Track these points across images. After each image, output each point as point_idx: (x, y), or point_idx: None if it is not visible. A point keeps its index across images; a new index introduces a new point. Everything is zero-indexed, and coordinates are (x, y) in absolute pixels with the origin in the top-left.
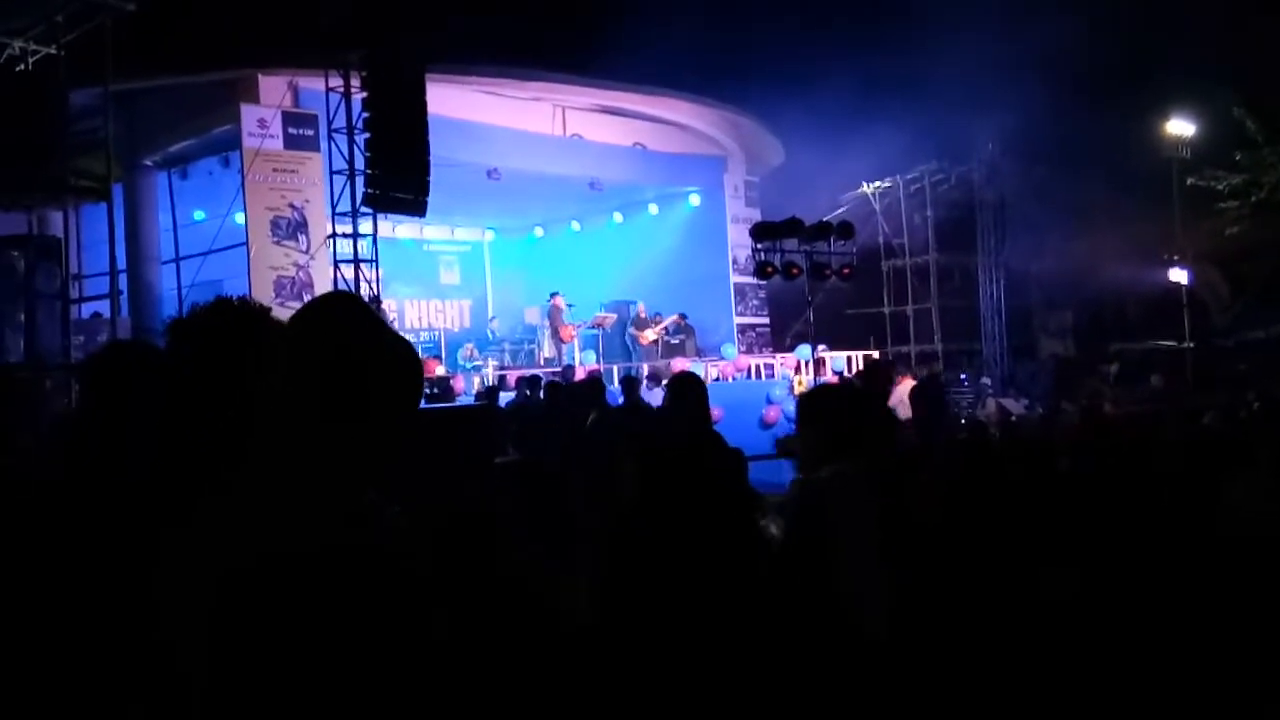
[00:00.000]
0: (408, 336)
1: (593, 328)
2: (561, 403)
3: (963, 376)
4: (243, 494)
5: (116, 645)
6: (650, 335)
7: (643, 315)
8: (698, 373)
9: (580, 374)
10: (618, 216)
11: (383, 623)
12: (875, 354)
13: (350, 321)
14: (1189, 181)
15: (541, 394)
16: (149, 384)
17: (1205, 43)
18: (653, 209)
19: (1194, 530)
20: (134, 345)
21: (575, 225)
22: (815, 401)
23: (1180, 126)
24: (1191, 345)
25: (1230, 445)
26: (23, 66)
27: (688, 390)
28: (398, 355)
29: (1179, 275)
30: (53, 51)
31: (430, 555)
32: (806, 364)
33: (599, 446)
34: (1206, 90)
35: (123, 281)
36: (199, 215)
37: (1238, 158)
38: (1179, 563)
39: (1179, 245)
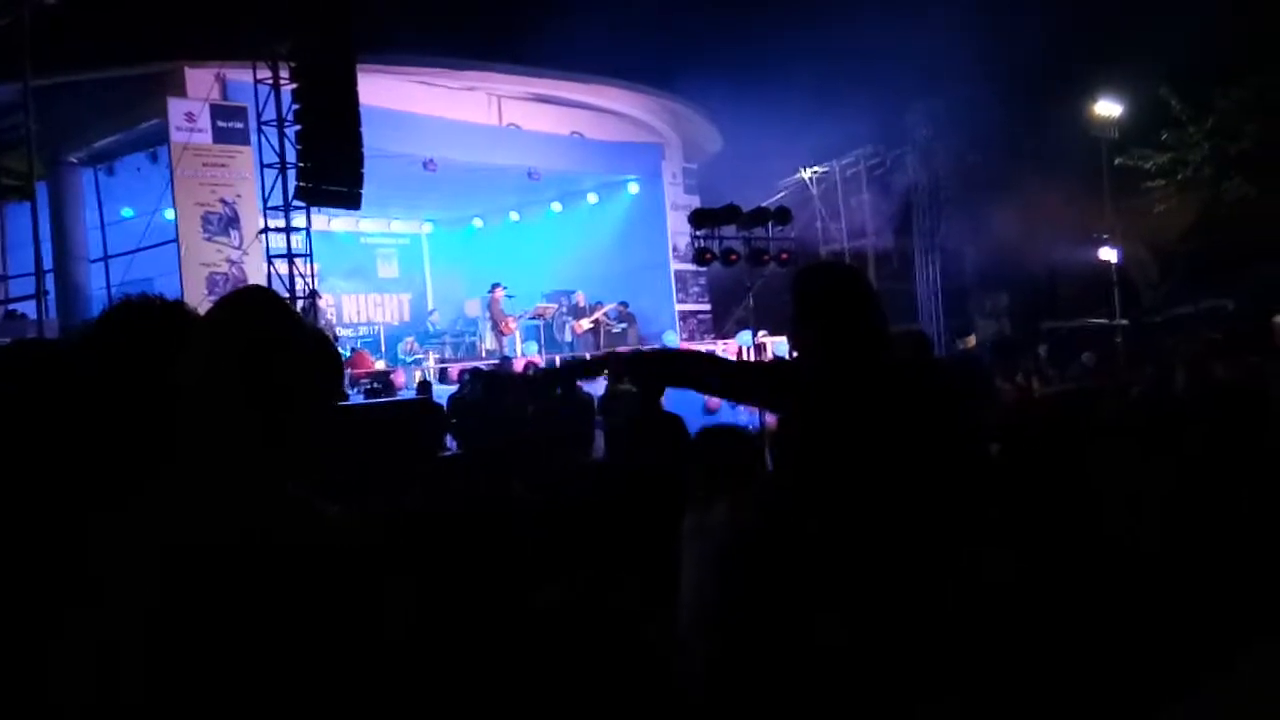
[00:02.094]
0: (346, 331)
1: (534, 318)
2: (498, 394)
3: None
4: (163, 485)
5: (46, 635)
6: (585, 324)
7: (582, 304)
8: None
9: (520, 365)
10: (557, 206)
11: (302, 615)
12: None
13: (266, 313)
14: (1117, 161)
15: (480, 386)
16: (53, 381)
17: (1132, 23)
18: (592, 198)
19: (1122, 508)
20: (32, 343)
21: (514, 215)
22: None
23: (1107, 107)
24: (1123, 323)
25: (1159, 419)
26: None
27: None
28: (314, 346)
29: (1109, 254)
30: None
31: (370, 549)
32: (748, 350)
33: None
34: (1133, 70)
35: (50, 281)
36: (127, 212)
37: (1164, 137)
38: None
39: (1109, 224)
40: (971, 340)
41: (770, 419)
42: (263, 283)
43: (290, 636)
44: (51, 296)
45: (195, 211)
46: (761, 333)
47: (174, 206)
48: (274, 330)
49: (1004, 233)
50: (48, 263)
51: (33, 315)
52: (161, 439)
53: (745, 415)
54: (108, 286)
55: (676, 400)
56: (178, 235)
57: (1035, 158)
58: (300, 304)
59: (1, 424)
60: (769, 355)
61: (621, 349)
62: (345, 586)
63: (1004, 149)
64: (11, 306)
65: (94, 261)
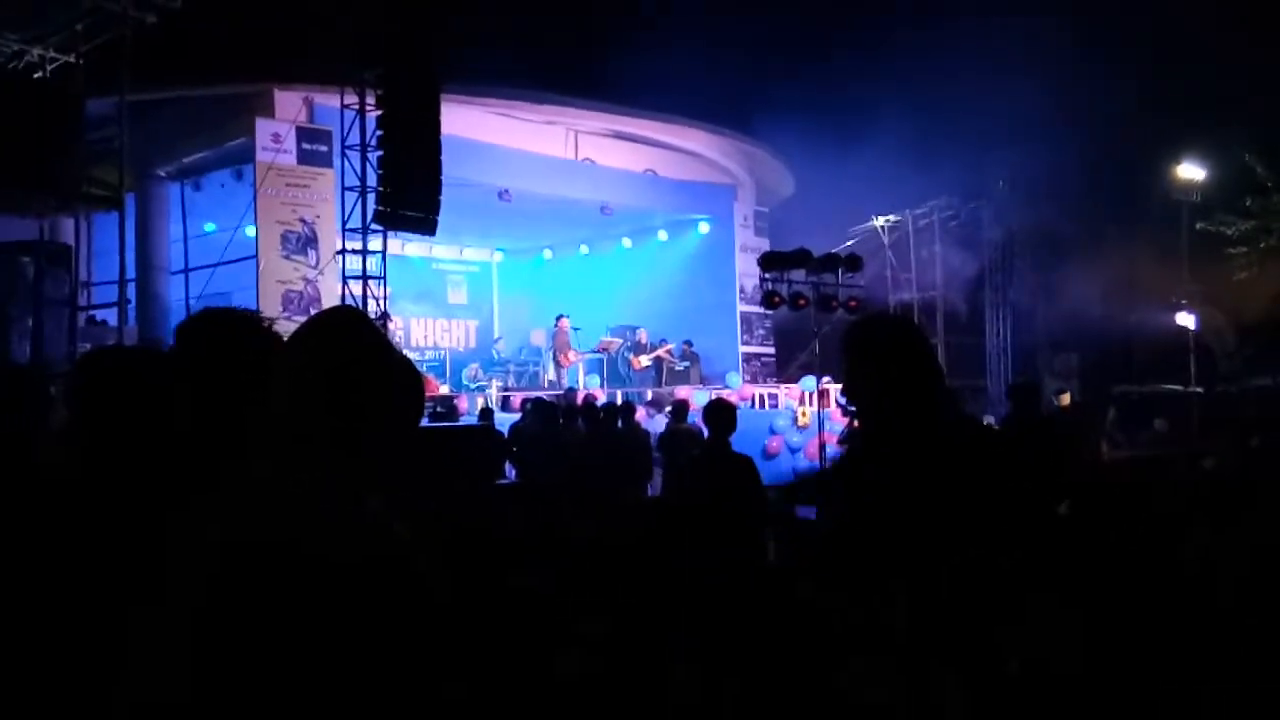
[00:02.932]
0: (413, 355)
1: (598, 352)
2: (557, 425)
3: None
4: (239, 492)
5: (112, 628)
6: (644, 360)
7: (644, 341)
8: (701, 399)
9: (581, 398)
10: (627, 242)
11: (371, 623)
12: None
13: (357, 335)
14: (1198, 226)
15: (543, 416)
16: (135, 390)
17: (1218, 87)
18: (662, 235)
19: (1193, 572)
20: (115, 352)
21: (584, 249)
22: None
23: (1191, 170)
24: (1198, 390)
25: (1231, 489)
26: (41, 74)
27: (722, 415)
28: (400, 369)
29: (1186, 319)
30: (71, 60)
31: (433, 564)
32: (811, 395)
33: (594, 468)
34: (1218, 135)
35: (131, 291)
36: (210, 227)
37: (1248, 203)
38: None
39: (1187, 289)
40: (1066, 399)
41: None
42: (336, 303)
43: (343, 648)
44: (132, 306)
45: (275, 230)
46: (825, 379)
47: (255, 224)
48: (361, 347)
49: (1078, 292)
50: (131, 272)
51: (113, 323)
52: (235, 445)
53: (805, 461)
54: (186, 298)
55: (735, 441)
56: (257, 252)
57: (1114, 218)
58: None
59: (83, 426)
60: (831, 401)
61: (681, 389)
62: (403, 603)
63: (1083, 207)
64: (93, 313)
65: (175, 273)
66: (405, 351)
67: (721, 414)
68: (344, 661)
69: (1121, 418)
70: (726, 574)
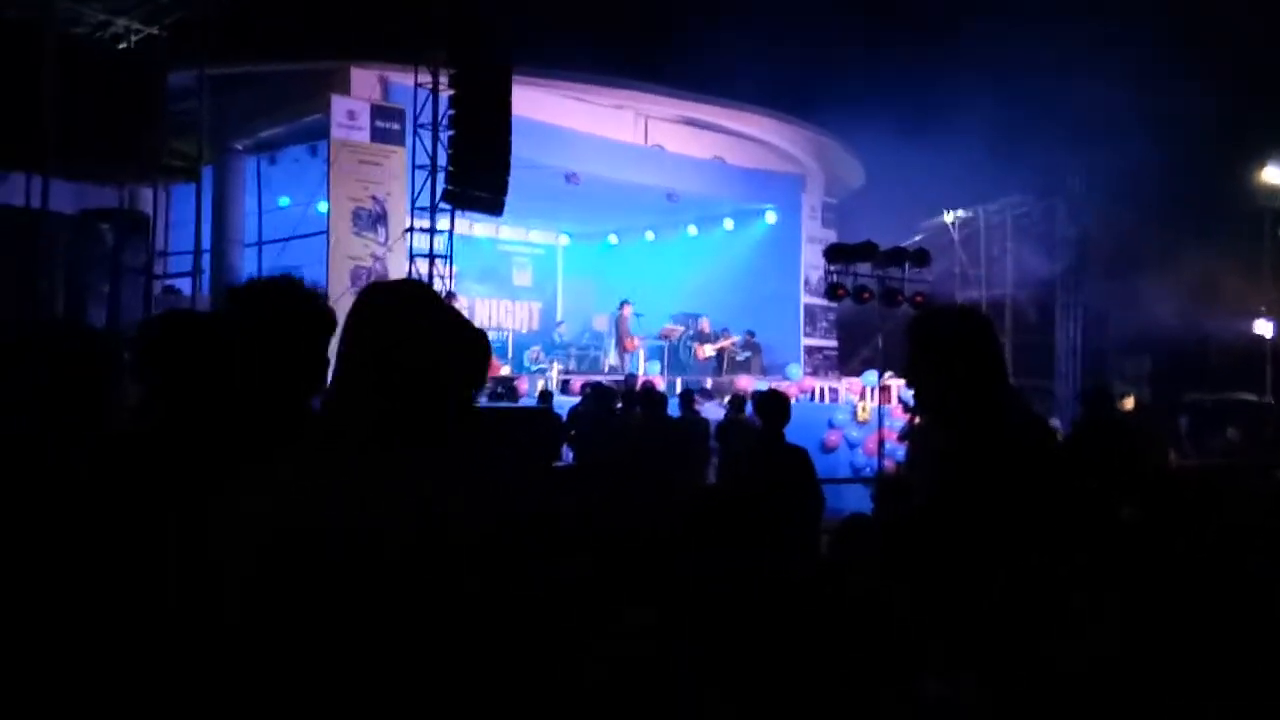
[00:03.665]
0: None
1: (660, 339)
2: (615, 410)
3: None
4: (295, 462)
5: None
6: (708, 350)
7: (706, 330)
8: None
9: (640, 384)
10: (692, 229)
11: (424, 605)
12: None
13: (407, 304)
14: None
15: (601, 400)
16: (204, 353)
17: None
18: (728, 224)
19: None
20: (185, 315)
21: (649, 235)
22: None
23: (1276, 175)
24: (1272, 400)
25: None
26: (125, 45)
27: (775, 405)
28: (459, 344)
29: (1265, 327)
30: (155, 32)
31: (486, 547)
32: (872, 390)
33: (650, 453)
34: None
35: (206, 262)
36: (283, 201)
37: None
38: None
39: (1267, 296)
40: (1130, 403)
41: (889, 464)
42: None
43: (378, 625)
44: (206, 276)
45: (347, 206)
46: (888, 374)
47: (328, 199)
48: (412, 320)
49: (1153, 296)
50: (206, 243)
51: (187, 292)
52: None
53: (862, 456)
54: (259, 271)
55: (793, 433)
56: (328, 227)
57: (1193, 221)
58: None
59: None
60: (893, 398)
61: (741, 379)
62: (450, 584)
63: (1161, 209)
64: (169, 282)
65: (248, 246)
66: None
67: (774, 405)
68: (377, 639)
69: (1193, 426)
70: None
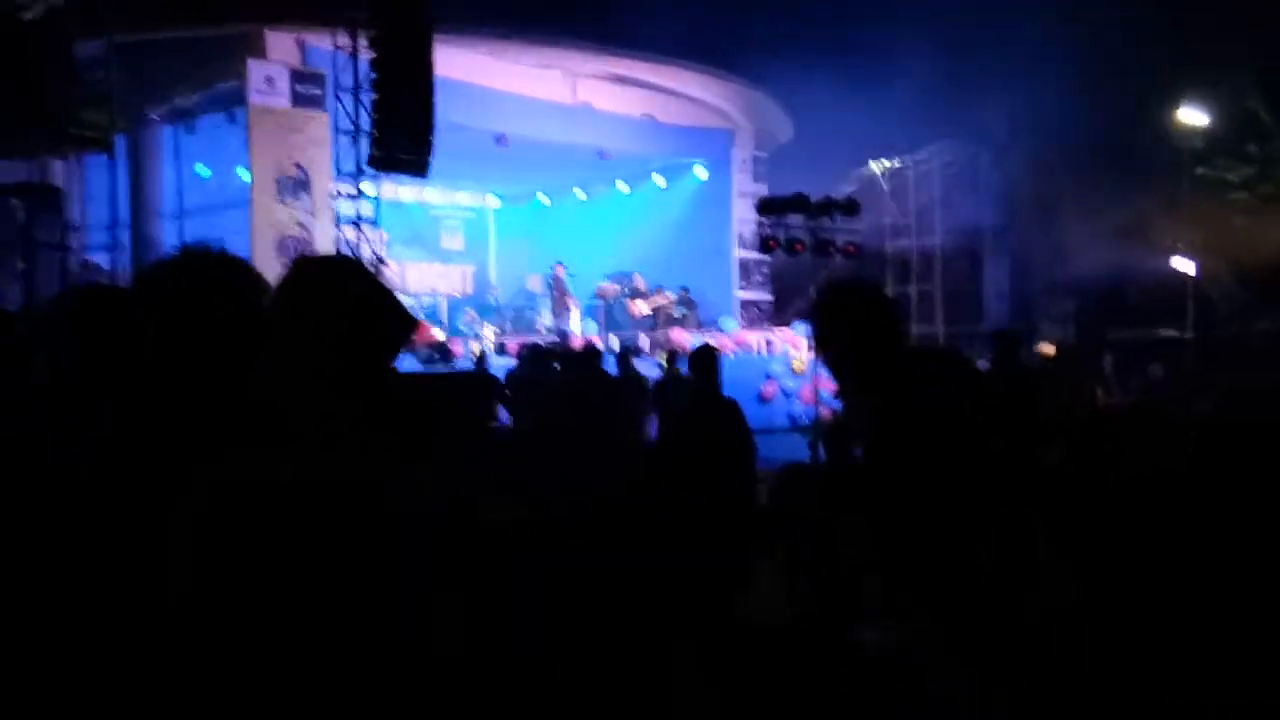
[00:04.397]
0: (409, 299)
1: (597, 298)
2: (552, 370)
3: None
4: (236, 427)
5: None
6: (643, 307)
7: (641, 287)
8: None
9: (577, 344)
10: (623, 187)
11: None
12: None
13: (338, 273)
14: (1199, 171)
15: (537, 361)
16: (126, 326)
17: (1222, 32)
18: (659, 180)
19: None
20: (107, 289)
21: (580, 194)
22: None
23: (1192, 115)
24: (1193, 335)
25: (1225, 429)
26: (30, 15)
27: (706, 360)
28: (383, 302)
29: (1184, 264)
30: (58, 1)
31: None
32: (806, 341)
33: (588, 412)
34: (1221, 80)
35: (127, 236)
36: (204, 171)
37: (1250, 149)
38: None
39: (1186, 234)
40: (1050, 349)
41: (825, 413)
42: (330, 248)
43: (342, 578)
44: (128, 250)
45: (270, 174)
46: None
47: (249, 168)
48: (348, 288)
49: (1076, 238)
50: (125, 216)
51: (107, 266)
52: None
53: (799, 405)
54: (180, 242)
55: (730, 386)
56: (251, 196)
57: (1113, 164)
58: None
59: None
60: None
61: (675, 330)
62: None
63: (1082, 153)
64: (87, 257)
65: (169, 218)
66: (402, 296)
67: (705, 359)
68: (341, 581)
69: (1117, 364)
70: (716, 511)
